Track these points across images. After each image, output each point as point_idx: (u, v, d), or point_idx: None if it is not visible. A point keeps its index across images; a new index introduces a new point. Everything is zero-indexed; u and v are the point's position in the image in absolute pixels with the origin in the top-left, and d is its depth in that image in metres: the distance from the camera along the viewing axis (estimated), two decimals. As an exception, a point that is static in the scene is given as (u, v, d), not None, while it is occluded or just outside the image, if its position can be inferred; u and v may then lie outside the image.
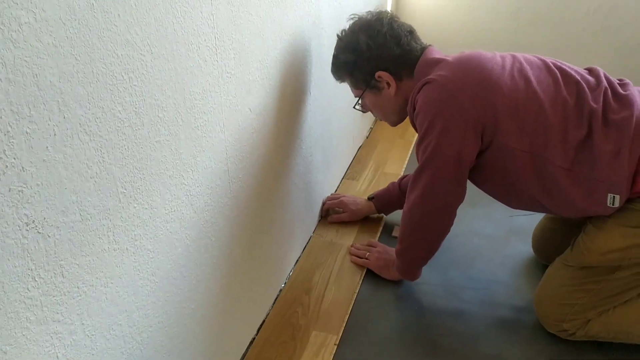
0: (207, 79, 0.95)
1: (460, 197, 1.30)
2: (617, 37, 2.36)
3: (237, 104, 1.07)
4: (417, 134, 1.29)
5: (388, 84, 1.37)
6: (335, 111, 1.81)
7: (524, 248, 1.64)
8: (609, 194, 1.17)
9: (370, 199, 1.77)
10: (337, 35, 1.43)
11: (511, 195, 1.34)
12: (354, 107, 1.49)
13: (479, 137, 1.22)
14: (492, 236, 1.71)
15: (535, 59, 1.29)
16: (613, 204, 1.18)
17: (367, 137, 2.37)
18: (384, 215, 1.80)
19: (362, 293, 1.49)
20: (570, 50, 2.42)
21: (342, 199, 1.78)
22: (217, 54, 0.97)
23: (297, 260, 1.60)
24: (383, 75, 1.36)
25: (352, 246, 1.64)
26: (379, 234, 1.72)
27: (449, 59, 1.28)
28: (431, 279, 1.52)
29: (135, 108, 0.76)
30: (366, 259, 1.57)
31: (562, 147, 1.19)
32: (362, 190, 1.95)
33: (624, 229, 1.20)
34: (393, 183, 1.74)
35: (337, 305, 1.44)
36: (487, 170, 1.29)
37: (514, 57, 1.27)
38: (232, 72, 1.03)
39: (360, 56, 1.36)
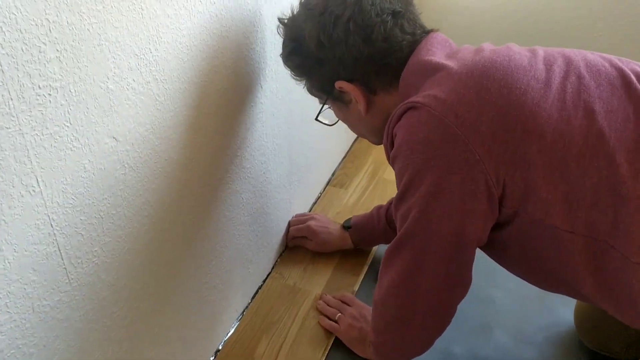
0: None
1: (462, 289, 0.83)
2: None
3: (80, 136, 0.60)
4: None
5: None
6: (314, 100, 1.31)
7: (564, 315, 1.16)
8: None
9: (346, 227, 1.29)
10: (278, 20, 0.93)
11: (549, 284, 0.86)
12: (316, 119, 1.00)
13: (495, 205, 0.74)
14: (518, 292, 1.22)
15: (606, 64, 0.76)
16: None
17: (368, 124, 1.87)
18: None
19: (323, 378, 1.04)
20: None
21: (310, 223, 1.29)
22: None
23: (243, 314, 1.16)
24: (345, 87, 0.86)
25: (321, 298, 1.19)
26: (362, 276, 1.26)
27: (454, 65, 0.76)
28: (424, 363, 1.07)
29: None
30: (336, 321, 1.12)
31: None
32: (350, 204, 1.47)
33: None
34: (379, 208, 1.25)
35: (284, 398, 1.00)
36: (510, 250, 0.82)
37: (568, 64, 0.76)
38: (55, 83, 0.56)
39: (308, 58, 0.86)
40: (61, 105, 0.57)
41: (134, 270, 0.76)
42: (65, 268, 0.63)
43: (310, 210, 1.44)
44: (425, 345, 0.90)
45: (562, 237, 0.72)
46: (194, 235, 0.90)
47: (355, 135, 1.78)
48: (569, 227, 0.71)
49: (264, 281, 1.24)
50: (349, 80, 0.85)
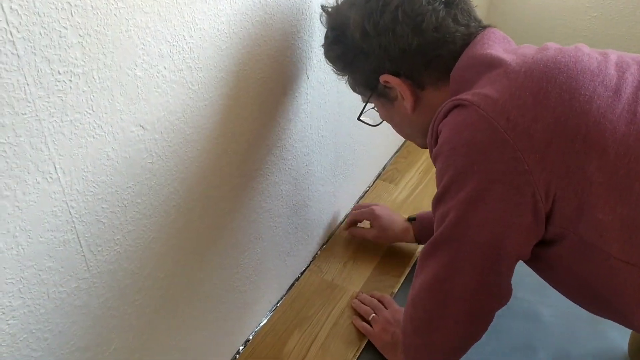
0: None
1: (499, 300, 0.77)
2: None
3: (103, 124, 0.59)
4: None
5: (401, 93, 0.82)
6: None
7: (617, 342, 1.07)
8: None
9: (410, 220, 1.22)
10: (321, 8, 0.88)
11: (596, 310, 0.80)
12: (358, 119, 0.94)
13: (541, 221, 0.67)
14: (568, 312, 1.12)
15: None
16: None
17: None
18: (419, 245, 1.27)
19: (351, 381, 1.01)
20: None
21: (373, 207, 1.24)
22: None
23: (277, 306, 1.14)
24: (391, 81, 0.80)
25: (357, 296, 1.15)
26: (403, 278, 1.21)
27: (512, 61, 0.69)
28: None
29: None
30: (369, 322, 1.08)
31: None
32: (399, 200, 1.42)
33: None
34: None
35: (309, 397, 0.98)
36: (556, 269, 0.75)
37: None
38: (77, 69, 0.54)
39: (351, 48, 0.81)
40: (83, 91, 0.56)
41: (159, 259, 0.75)
42: (84, 255, 0.63)
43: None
44: (456, 352, 0.85)
45: (616, 266, 0.65)
46: (226, 226, 0.88)
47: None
48: (625, 257, 0.63)
49: (302, 274, 1.21)
50: (395, 74, 0.79)
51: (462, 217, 0.70)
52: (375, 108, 0.92)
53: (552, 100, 0.64)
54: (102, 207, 0.63)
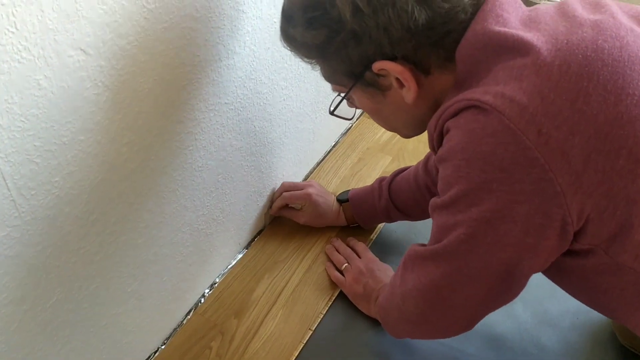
0: None
1: (509, 302, 0.70)
2: None
3: (31, 45, 0.49)
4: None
5: (399, 81, 0.64)
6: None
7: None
8: None
9: (340, 201, 1.10)
10: None
11: (603, 312, 0.75)
12: (332, 113, 0.76)
13: (566, 242, 0.59)
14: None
15: None
16: None
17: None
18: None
19: (322, 331, 0.96)
20: None
21: (310, 191, 1.07)
22: None
23: (248, 248, 1.07)
24: (390, 68, 0.63)
25: (331, 242, 1.08)
26: (382, 226, 1.14)
27: (541, 47, 0.55)
28: (433, 332, 0.97)
29: None
30: (342, 272, 1.01)
31: None
32: (383, 141, 1.33)
33: None
34: (381, 180, 1.05)
35: (276, 348, 0.93)
36: (569, 277, 0.69)
37: None
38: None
39: (337, 32, 0.61)
40: (2, 4, 0.45)
41: (110, 203, 0.67)
42: (13, 200, 0.54)
43: (335, 144, 1.31)
44: (441, 337, 0.80)
45: None
46: (190, 166, 0.79)
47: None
48: None
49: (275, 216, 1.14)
50: (392, 58, 0.62)
51: (473, 236, 0.60)
52: (348, 98, 0.74)
53: (594, 107, 0.53)
54: (35, 145, 0.54)
